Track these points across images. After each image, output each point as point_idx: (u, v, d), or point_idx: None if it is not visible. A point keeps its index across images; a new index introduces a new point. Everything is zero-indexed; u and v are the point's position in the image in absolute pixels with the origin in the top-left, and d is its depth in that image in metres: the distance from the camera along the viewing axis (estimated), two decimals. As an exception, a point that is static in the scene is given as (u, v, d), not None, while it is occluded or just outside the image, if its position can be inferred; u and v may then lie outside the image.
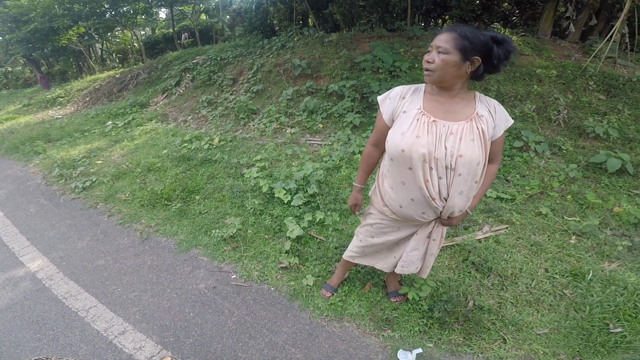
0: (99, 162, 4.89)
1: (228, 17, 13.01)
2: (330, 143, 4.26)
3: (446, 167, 1.26)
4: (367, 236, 1.71)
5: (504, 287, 2.16)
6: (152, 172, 4.17)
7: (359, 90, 4.77)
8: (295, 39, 6.78)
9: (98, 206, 3.65)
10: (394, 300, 2.08)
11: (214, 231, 2.86)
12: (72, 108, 10.39)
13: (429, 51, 1.25)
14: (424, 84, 1.36)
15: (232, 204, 3.28)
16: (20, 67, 23.82)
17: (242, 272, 2.47)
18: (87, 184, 4.10)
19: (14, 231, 3.37)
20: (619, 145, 3.51)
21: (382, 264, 1.80)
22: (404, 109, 1.33)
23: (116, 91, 9.81)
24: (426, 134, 1.24)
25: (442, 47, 1.18)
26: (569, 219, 2.72)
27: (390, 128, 1.37)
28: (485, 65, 1.21)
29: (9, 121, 10.12)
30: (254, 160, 4.03)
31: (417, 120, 1.27)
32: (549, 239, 2.55)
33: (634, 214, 2.66)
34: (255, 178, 3.55)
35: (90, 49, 16.45)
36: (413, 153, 1.25)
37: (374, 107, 4.57)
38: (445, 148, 1.23)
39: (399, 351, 1.80)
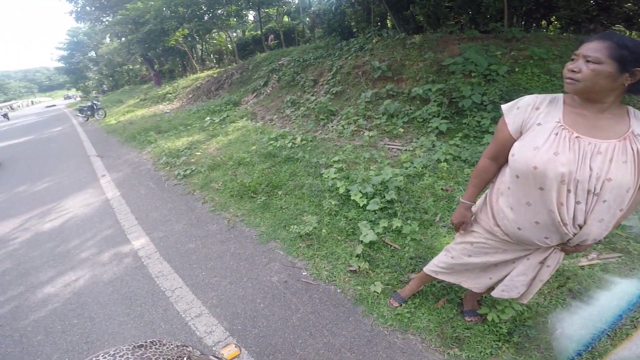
0: (198, 153, 5.52)
1: (308, 19, 13.46)
2: (411, 149, 4.14)
3: (588, 191, 1.11)
4: (463, 254, 1.61)
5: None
6: (242, 165, 4.55)
7: (447, 94, 4.54)
8: (374, 41, 6.71)
9: (195, 193, 4.11)
10: (469, 319, 1.96)
11: (292, 227, 2.97)
12: (178, 104, 11.92)
13: (572, 59, 1.13)
14: (561, 94, 1.23)
15: (311, 202, 3.39)
16: (138, 66, 28.09)
17: (312, 270, 2.50)
18: (188, 172, 4.67)
19: (126, 210, 3.95)
20: None
21: (471, 283, 1.70)
22: (538, 121, 1.20)
23: (213, 89, 10.95)
24: (567, 151, 1.11)
25: (592, 57, 1.06)
26: None
27: (515, 141, 1.26)
28: None
29: (129, 113, 12.06)
30: (332, 161, 4.12)
31: (556, 134, 1.14)
32: (674, 276, 2.14)
33: None
34: (332, 179, 3.62)
35: (193, 49, 18.55)
36: (548, 171, 1.12)
37: (464, 112, 4.31)
38: (591, 169, 1.09)
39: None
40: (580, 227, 1.18)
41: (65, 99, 35.35)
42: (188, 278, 2.59)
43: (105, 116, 12.60)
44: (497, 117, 4.09)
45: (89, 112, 12.97)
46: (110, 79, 30.73)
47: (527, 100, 1.25)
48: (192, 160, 5.20)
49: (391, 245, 2.66)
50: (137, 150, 6.63)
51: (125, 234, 3.39)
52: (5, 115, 20.80)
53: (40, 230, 3.82)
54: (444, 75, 4.88)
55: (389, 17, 7.43)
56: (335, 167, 3.87)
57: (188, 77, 15.17)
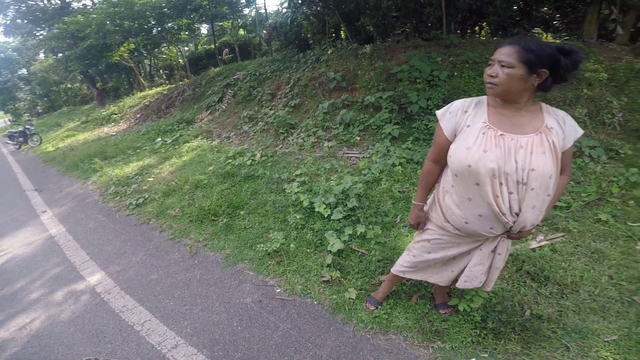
0: (151, 179, 5.21)
1: (264, 32, 13.41)
2: (368, 156, 4.26)
3: (517, 182, 1.24)
4: (423, 252, 1.70)
5: (564, 296, 2.08)
6: (199, 188, 4.37)
7: (397, 101, 4.73)
8: (329, 52, 6.83)
9: (150, 222, 3.88)
10: (444, 312, 2.05)
11: (258, 246, 2.93)
12: (125, 125, 11.20)
13: (490, 64, 1.25)
14: (485, 97, 1.35)
15: (275, 218, 3.37)
16: (78, 84, 26.07)
17: (286, 286, 2.51)
18: (140, 200, 4.38)
19: (75, 246, 3.63)
20: (686, 149, 3.22)
21: (436, 277, 1.78)
22: (468, 123, 1.31)
23: (164, 107, 10.45)
24: (494, 148, 1.23)
25: (505, 61, 1.18)
26: (633, 224, 2.55)
27: (451, 143, 1.37)
28: (552, 77, 1.20)
29: (69, 138, 11.11)
30: (294, 175, 4.11)
31: (484, 134, 1.26)
32: (611, 246, 2.41)
33: None
34: (296, 193, 3.60)
35: (140, 65, 17.57)
36: (480, 168, 1.24)
37: (413, 117, 4.52)
38: (516, 162, 1.22)
39: (451, 362, 1.77)
40: (517, 215, 1.31)
41: None
42: (156, 310, 2.50)
43: (40, 142, 11.49)
44: (442, 119, 4.37)
45: (20, 139, 11.70)
46: (46, 99, 28.00)
47: (457, 104, 1.38)
48: (145, 187, 4.91)
49: (358, 251, 2.72)
50: (80, 181, 6.09)
51: (78, 271, 3.16)
52: None
53: (-23, 274, 3.35)
54: (393, 83, 5.09)
55: (342, 29, 7.59)
56: (297, 181, 3.87)
57: (135, 95, 14.33)
